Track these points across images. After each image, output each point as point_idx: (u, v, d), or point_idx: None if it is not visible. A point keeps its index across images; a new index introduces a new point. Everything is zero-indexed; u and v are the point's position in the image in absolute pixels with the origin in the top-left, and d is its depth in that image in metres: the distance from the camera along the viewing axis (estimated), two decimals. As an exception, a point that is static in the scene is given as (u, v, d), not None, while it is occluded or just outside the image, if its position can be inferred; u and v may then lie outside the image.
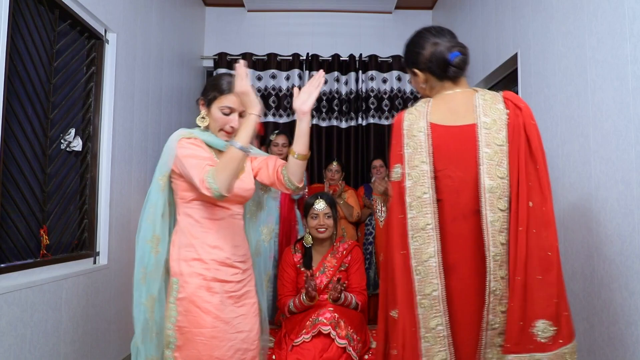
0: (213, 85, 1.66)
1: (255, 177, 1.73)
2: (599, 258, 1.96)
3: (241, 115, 1.64)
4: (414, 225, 1.38)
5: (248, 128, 1.52)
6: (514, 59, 2.83)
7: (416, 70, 1.51)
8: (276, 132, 3.63)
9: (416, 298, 1.36)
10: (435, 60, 1.45)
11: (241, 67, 1.53)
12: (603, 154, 1.94)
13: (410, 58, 1.53)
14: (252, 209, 1.87)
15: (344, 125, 4.74)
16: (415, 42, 1.51)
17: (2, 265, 1.98)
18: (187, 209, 1.62)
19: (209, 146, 1.65)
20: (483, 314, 1.32)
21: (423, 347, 1.33)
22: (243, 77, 1.51)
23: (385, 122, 4.73)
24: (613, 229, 1.87)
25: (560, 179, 2.27)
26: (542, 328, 1.27)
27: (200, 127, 1.68)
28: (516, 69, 2.80)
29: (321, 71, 1.64)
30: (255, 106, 1.53)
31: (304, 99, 1.59)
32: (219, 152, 1.66)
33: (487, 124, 1.38)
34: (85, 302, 2.50)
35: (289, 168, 1.64)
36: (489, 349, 1.33)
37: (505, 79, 3.20)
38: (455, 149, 1.40)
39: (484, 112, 1.40)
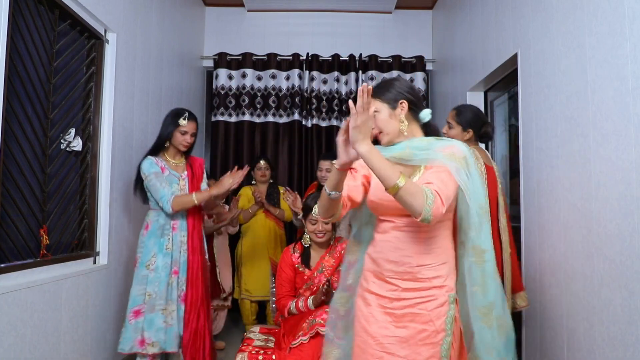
0: None
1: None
2: (599, 258, 1.96)
3: (376, 111, 1.58)
4: None
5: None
6: (514, 59, 2.83)
7: (470, 130, 2.45)
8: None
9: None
10: (485, 133, 2.50)
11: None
12: (603, 154, 1.94)
13: (473, 122, 2.45)
14: (464, 227, 1.56)
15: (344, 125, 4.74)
16: (481, 117, 2.50)
17: (2, 265, 1.98)
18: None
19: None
20: (503, 270, 2.30)
21: None
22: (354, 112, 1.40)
23: (385, 122, 4.72)
24: (613, 229, 1.87)
25: (560, 179, 2.27)
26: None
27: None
28: (516, 69, 2.80)
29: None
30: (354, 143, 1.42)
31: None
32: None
33: (497, 169, 2.45)
34: (85, 302, 2.50)
35: None
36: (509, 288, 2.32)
37: (505, 79, 3.19)
38: (488, 178, 2.32)
39: (494, 161, 2.55)
